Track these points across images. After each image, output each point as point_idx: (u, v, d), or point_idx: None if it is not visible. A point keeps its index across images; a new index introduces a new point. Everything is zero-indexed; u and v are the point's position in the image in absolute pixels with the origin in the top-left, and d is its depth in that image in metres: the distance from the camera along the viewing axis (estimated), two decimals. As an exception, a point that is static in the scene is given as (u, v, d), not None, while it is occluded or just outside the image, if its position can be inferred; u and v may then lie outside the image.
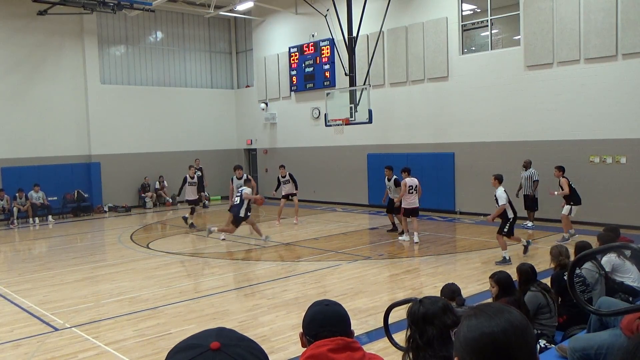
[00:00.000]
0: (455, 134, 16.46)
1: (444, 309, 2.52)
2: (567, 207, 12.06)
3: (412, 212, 12.57)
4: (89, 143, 20.50)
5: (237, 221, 12.80)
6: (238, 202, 12.78)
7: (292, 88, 21.33)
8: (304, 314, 2.49)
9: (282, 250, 12.37)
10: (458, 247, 12.28)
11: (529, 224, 13.83)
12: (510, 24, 15.70)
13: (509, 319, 1.31)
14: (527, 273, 5.46)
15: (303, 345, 2.44)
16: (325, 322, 2.35)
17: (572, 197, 12.11)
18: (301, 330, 2.47)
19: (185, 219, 15.73)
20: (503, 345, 1.28)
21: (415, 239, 12.47)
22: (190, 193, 15.94)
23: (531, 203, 13.82)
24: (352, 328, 2.42)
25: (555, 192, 12.16)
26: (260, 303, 8.22)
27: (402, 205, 12.61)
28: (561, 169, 12.29)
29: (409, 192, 12.47)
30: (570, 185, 12.00)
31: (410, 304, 2.72)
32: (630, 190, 13.11)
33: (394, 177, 13.53)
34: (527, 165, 13.80)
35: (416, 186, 12.64)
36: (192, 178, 15.98)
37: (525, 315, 5.01)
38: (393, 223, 13.94)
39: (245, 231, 15.58)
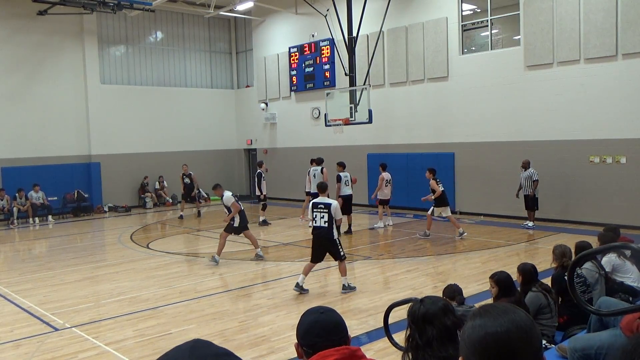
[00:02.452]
0: (455, 134, 16.46)
1: (444, 309, 2.51)
2: (431, 208, 12.72)
3: (386, 202, 14.87)
4: (89, 143, 20.50)
5: None
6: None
7: (292, 88, 21.33)
8: (300, 318, 2.41)
9: (282, 250, 12.37)
10: (458, 247, 12.28)
11: (530, 223, 13.80)
12: (510, 24, 15.70)
13: (514, 320, 1.30)
14: (530, 273, 5.45)
15: (300, 357, 2.32)
16: (322, 332, 2.25)
17: (438, 199, 12.54)
18: (296, 341, 2.34)
19: (265, 221, 16.11)
20: (506, 346, 1.27)
21: (390, 222, 15.01)
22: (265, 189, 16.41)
23: (531, 203, 13.72)
24: (351, 330, 2.38)
25: (432, 197, 12.60)
26: (260, 303, 8.22)
27: (379, 197, 14.70)
28: (432, 171, 12.75)
29: (385, 185, 14.60)
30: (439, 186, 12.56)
31: (410, 303, 2.72)
32: (630, 190, 13.11)
33: (338, 173, 14.11)
34: (525, 166, 13.69)
35: (389, 180, 14.74)
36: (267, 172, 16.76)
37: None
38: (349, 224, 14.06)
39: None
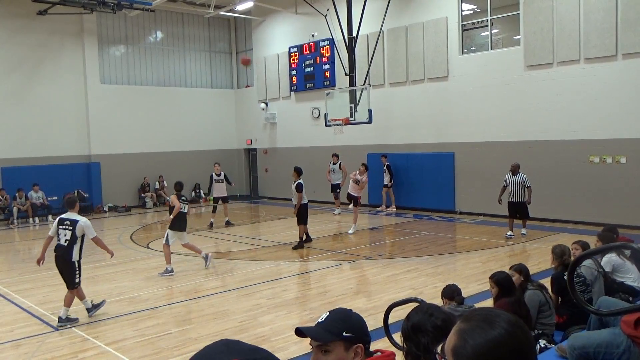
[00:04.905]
0: (455, 134, 16.46)
1: (428, 312, 2.47)
2: (167, 233, 10.36)
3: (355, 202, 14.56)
4: (89, 143, 20.51)
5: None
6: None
7: (292, 88, 21.33)
8: (347, 316, 2.13)
9: (282, 250, 12.36)
10: (458, 247, 12.28)
11: (523, 231, 12.72)
12: (510, 24, 15.70)
13: (508, 320, 1.29)
14: (527, 272, 5.48)
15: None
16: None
17: (178, 221, 10.27)
18: (359, 345, 2.08)
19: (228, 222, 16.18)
20: (515, 347, 1.26)
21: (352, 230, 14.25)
22: (219, 190, 16.28)
23: (525, 211, 12.52)
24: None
25: (171, 216, 10.35)
26: (260, 303, 8.22)
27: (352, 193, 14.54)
28: (177, 187, 10.72)
29: (356, 183, 14.38)
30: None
31: (411, 303, 2.71)
32: (630, 190, 13.11)
33: (299, 181, 12.36)
34: (515, 170, 12.50)
35: (360, 180, 14.44)
36: (219, 175, 16.28)
37: (526, 314, 5.01)
38: (307, 233, 12.69)
39: (244, 232, 15.62)
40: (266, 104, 22.62)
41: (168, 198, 21.57)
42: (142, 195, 21.36)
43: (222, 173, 16.28)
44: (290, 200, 13.09)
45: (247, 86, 24.14)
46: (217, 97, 23.97)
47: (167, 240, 10.26)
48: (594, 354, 4.14)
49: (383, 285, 9.06)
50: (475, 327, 1.28)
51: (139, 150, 21.42)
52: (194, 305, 8.18)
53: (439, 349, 1.38)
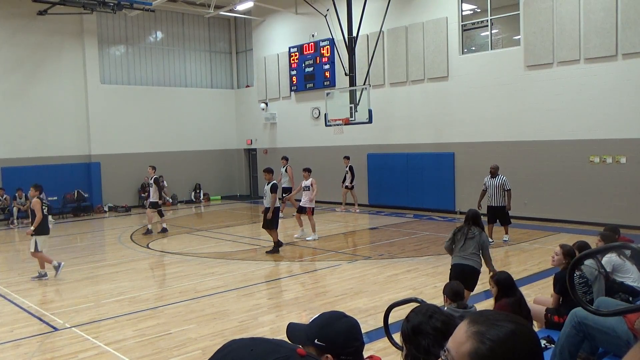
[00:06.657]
0: (455, 134, 16.46)
1: (429, 314, 2.46)
2: (32, 240, 10.01)
3: (303, 210, 13.34)
4: (89, 143, 20.51)
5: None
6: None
7: (292, 88, 21.33)
8: (324, 329, 2.06)
9: (282, 250, 12.35)
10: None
11: (505, 237, 12.11)
12: (510, 24, 15.70)
13: (515, 319, 1.30)
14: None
15: None
16: (359, 336, 2.13)
17: (41, 226, 10.04)
18: (328, 355, 2.03)
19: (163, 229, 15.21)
20: (529, 341, 1.26)
21: (314, 236, 13.27)
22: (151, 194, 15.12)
23: (505, 217, 11.98)
24: None
25: (31, 230, 10.03)
26: (260, 303, 8.22)
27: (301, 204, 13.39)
28: (38, 188, 10.21)
29: (303, 189, 13.32)
30: (42, 210, 10.09)
31: (411, 303, 2.70)
32: (630, 190, 13.11)
33: (275, 182, 11.83)
34: (494, 172, 11.89)
35: (307, 187, 13.26)
36: (150, 179, 15.07)
37: (526, 315, 5.00)
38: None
39: (244, 232, 15.62)
40: (266, 104, 22.62)
41: (168, 198, 21.72)
42: (142, 195, 21.35)
43: (154, 177, 14.88)
44: (261, 200, 12.41)
45: (247, 86, 24.14)
46: (217, 97, 23.97)
47: (35, 247, 10.06)
48: (589, 330, 4.18)
49: (383, 285, 9.05)
50: (490, 326, 1.28)
51: (139, 150, 21.41)
52: (194, 305, 8.17)
53: (447, 347, 1.36)
